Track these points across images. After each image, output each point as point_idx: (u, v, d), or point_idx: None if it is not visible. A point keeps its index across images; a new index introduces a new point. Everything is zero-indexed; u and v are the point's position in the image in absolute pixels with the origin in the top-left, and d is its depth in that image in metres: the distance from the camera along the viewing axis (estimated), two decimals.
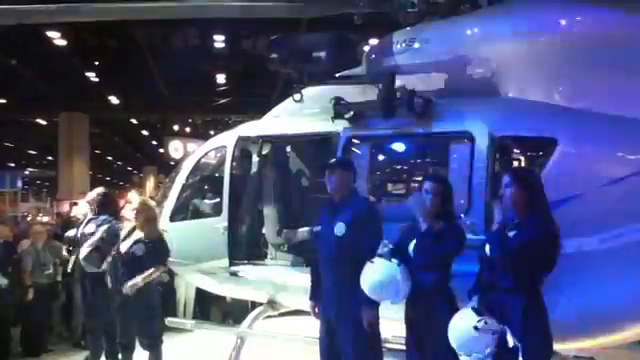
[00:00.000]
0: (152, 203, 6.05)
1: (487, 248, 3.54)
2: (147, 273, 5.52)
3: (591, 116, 4.15)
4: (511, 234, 3.44)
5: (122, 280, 5.62)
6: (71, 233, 6.93)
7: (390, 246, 3.92)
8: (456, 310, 3.67)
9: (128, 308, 5.63)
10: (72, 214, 11.29)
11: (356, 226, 4.21)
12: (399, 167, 5.60)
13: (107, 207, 6.62)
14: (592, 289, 3.79)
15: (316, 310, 4.51)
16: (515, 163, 4.83)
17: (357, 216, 4.24)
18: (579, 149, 4.14)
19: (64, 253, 7.14)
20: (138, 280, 5.48)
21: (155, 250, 5.65)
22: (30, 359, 7.67)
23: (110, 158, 44.75)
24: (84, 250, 6.10)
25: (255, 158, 5.90)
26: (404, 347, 4.11)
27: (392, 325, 4.45)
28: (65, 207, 20.04)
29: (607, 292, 3.90)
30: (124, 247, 5.70)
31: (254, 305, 6.78)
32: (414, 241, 3.97)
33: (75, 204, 12.83)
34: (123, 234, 5.87)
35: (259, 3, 6.12)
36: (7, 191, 28.23)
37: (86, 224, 6.58)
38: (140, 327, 5.65)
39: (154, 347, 5.68)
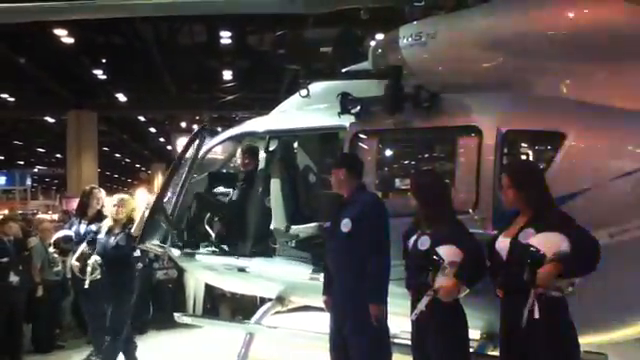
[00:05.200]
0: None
1: None
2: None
3: (600, 110, 4.12)
4: None
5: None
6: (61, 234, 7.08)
7: None
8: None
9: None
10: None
11: (362, 222, 4.22)
12: (406, 162, 5.58)
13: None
14: (603, 283, 3.75)
15: (329, 305, 4.51)
16: (523, 157, 4.80)
17: (363, 212, 4.25)
18: (587, 143, 4.11)
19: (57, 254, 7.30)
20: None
21: None
22: (41, 356, 7.72)
23: (118, 155, 44.95)
24: None
25: (262, 154, 5.91)
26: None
27: (401, 320, 4.45)
28: (73, 205, 20.10)
29: (618, 286, 3.87)
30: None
31: (263, 301, 6.79)
32: (413, 237, 4.00)
33: None
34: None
35: None
36: (17, 189, 28.42)
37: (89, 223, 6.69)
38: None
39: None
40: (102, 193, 6.98)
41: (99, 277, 6.23)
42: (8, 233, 7.59)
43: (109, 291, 6.18)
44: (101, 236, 6.33)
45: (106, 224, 6.37)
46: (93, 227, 6.61)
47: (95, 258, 6.26)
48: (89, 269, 6.24)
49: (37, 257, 7.82)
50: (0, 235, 7.45)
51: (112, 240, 6.21)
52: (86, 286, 6.29)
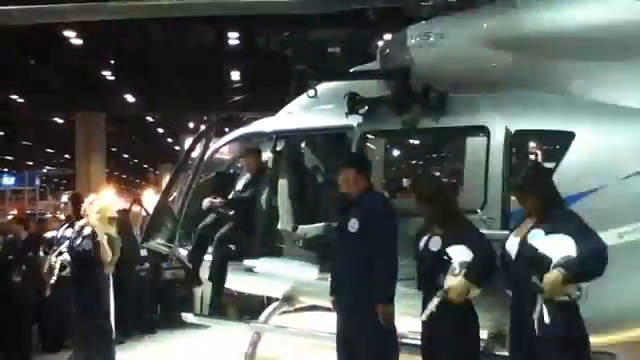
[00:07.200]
0: None
1: None
2: None
3: (610, 109, 4.10)
4: None
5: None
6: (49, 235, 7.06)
7: None
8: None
9: None
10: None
11: (370, 222, 4.22)
12: (414, 162, 5.58)
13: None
14: (613, 284, 3.73)
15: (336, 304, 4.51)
16: (532, 157, 4.79)
17: (371, 212, 4.25)
18: (597, 142, 4.09)
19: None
20: None
21: None
22: (49, 355, 7.75)
23: (126, 156, 45.11)
24: None
25: (270, 154, 5.92)
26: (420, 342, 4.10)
27: (409, 320, 4.44)
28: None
29: (628, 287, 3.85)
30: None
31: (270, 300, 6.79)
32: (424, 239, 3.98)
33: None
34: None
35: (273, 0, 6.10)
36: (26, 189, 28.57)
37: (67, 227, 6.65)
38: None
39: None
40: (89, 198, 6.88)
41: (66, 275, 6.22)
42: (16, 233, 7.64)
43: (70, 290, 6.16)
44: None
45: (79, 225, 6.28)
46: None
47: (64, 256, 6.23)
48: (57, 265, 6.27)
49: (45, 257, 7.84)
50: (8, 234, 7.51)
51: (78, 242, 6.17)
52: (52, 281, 6.40)
